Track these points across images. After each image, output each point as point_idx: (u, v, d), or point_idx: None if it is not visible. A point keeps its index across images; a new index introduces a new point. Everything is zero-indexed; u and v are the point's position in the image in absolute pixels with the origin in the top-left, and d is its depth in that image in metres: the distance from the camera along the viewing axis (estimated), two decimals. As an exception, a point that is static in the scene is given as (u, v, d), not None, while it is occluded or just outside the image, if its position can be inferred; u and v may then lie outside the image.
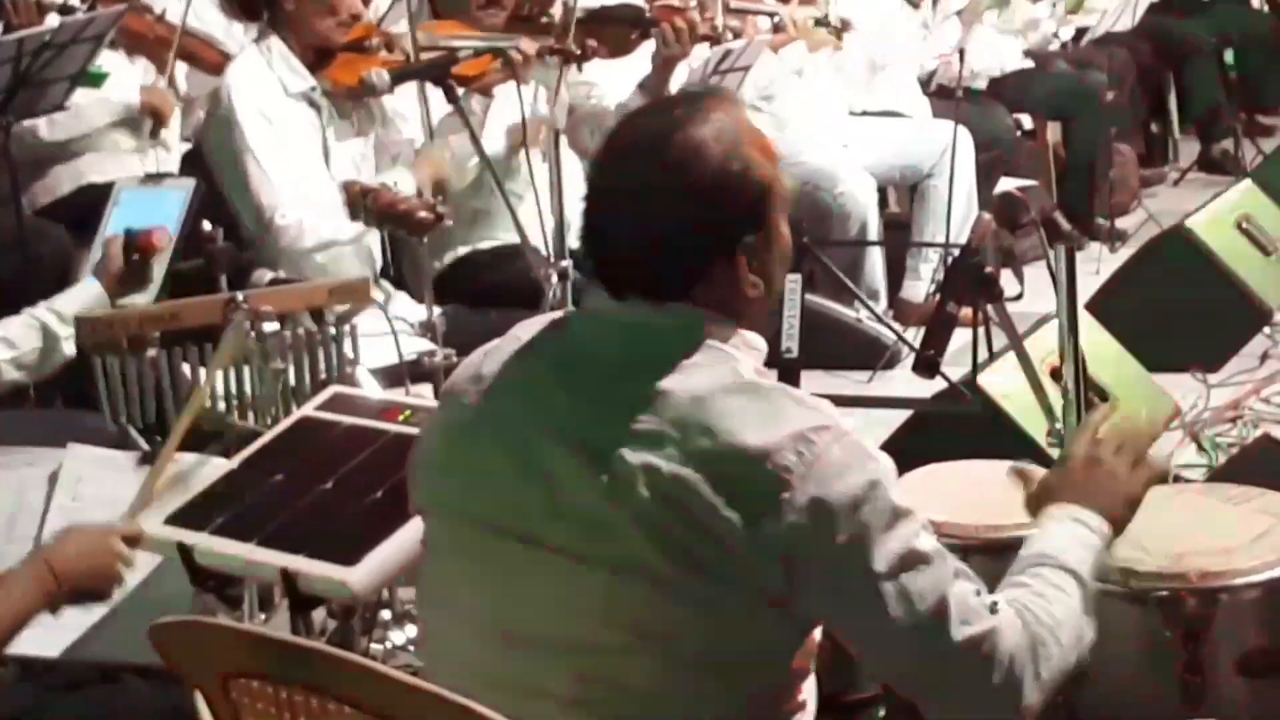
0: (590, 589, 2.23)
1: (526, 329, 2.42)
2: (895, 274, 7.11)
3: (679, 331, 2.29)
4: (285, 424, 3.35)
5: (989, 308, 3.37)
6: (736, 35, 6.22)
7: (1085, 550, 2.43)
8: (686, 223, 2.28)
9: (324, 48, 5.21)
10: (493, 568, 2.32)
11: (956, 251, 4.29)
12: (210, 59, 6.03)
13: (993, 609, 2.27)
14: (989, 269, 3.24)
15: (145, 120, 5.86)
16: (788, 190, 2.36)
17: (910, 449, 4.02)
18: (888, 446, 4.26)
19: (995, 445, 3.89)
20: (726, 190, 2.28)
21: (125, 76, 5.83)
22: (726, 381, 2.25)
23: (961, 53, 7.21)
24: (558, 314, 2.45)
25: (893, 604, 2.21)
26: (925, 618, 2.22)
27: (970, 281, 3.23)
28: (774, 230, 2.34)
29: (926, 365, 3.24)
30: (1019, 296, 6.91)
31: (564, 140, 5.33)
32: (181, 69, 6.07)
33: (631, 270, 2.31)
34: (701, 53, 6.13)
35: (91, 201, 5.20)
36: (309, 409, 3.38)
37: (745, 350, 2.33)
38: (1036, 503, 2.55)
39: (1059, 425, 3.36)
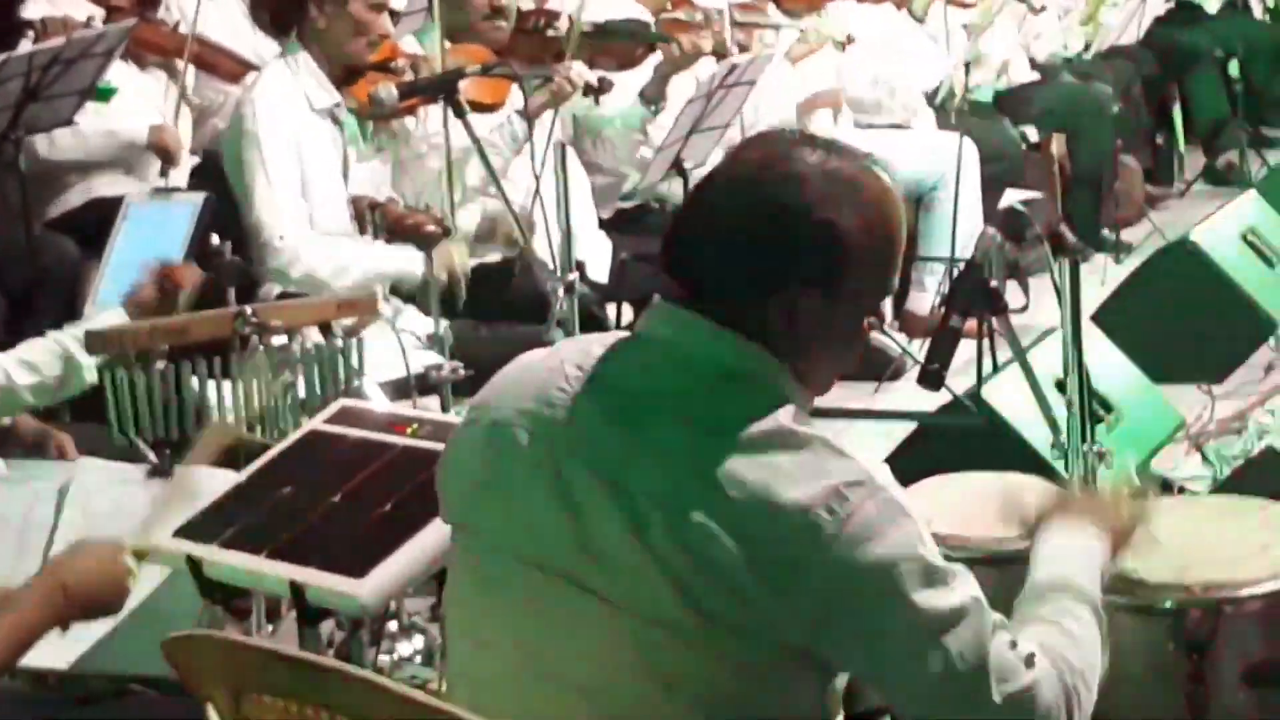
0: (618, 635, 2.20)
1: (575, 346, 2.38)
2: (900, 286, 7.11)
3: (727, 366, 2.26)
4: (294, 437, 3.35)
5: (993, 320, 3.38)
6: (743, 49, 6.25)
7: (1094, 568, 2.43)
8: (757, 236, 2.25)
9: (351, 66, 5.23)
10: (521, 599, 2.29)
11: (962, 265, 4.31)
12: (226, 67, 6.04)
13: (1029, 661, 2.23)
14: (994, 283, 3.25)
15: (150, 159, 5.83)
16: (880, 292, 2.35)
17: (914, 461, 4.04)
18: (892, 459, 4.29)
19: (999, 457, 3.90)
20: (805, 227, 2.24)
21: (134, 99, 5.82)
22: (766, 429, 2.20)
23: (967, 65, 7.23)
24: (611, 336, 2.39)
25: (931, 662, 2.17)
26: (965, 675, 2.18)
27: (975, 296, 3.24)
28: (842, 300, 2.29)
29: (931, 378, 3.24)
30: (1024, 308, 6.92)
31: (570, 152, 5.35)
32: (191, 80, 6.07)
33: (696, 268, 2.29)
34: (707, 65, 6.17)
35: (101, 215, 5.22)
36: (317, 422, 3.38)
37: (794, 393, 2.28)
38: (1033, 522, 2.56)
39: (1063, 439, 3.37)
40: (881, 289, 2.35)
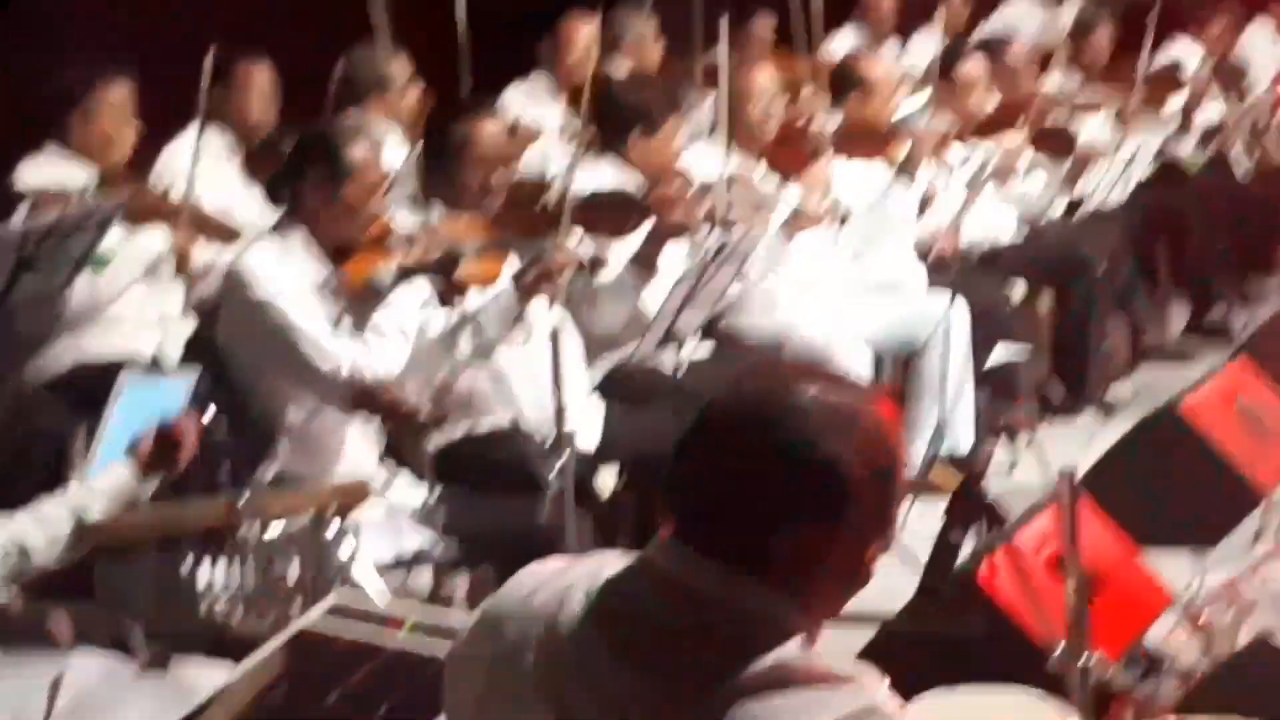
0: None
1: (584, 570, 2.38)
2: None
3: (732, 604, 2.25)
4: (286, 635, 3.34)
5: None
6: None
7: None
8: (759, 475, 2.26)
9: (344, 244, 5.22)
10: None
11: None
12: (220, 232, 6.07)
13: None
14: (991, 500, 3.28)
15: (168, 262, 5.90)
16: (884, 522, 2.32)
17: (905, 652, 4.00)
18: (873, 653, 4.22)
19: (991, 648, 3.88)
20: (807, 465, 2.25)
21: (129, 266, 5.87)
22: (769, 666, 2.20)
23: (957, 224, 7.26)
24: (620, 561, 2.38)
25: None
26: None
27: (975, 512, 3.26)
28: (846, 534, 2.29)
29: (931, 594, 3.25)
30: (1013, 467, 6.92)
31: (568, 326, 5.37)
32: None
33: (698, 504, 2.30)
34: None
35: (90, 379, 5.25)
36: (311, 619, 3.37)
37: (800, 626, 2.27)
38: None
39: (1059, 649, 3.38)
40: (885, 519, 2.33)
